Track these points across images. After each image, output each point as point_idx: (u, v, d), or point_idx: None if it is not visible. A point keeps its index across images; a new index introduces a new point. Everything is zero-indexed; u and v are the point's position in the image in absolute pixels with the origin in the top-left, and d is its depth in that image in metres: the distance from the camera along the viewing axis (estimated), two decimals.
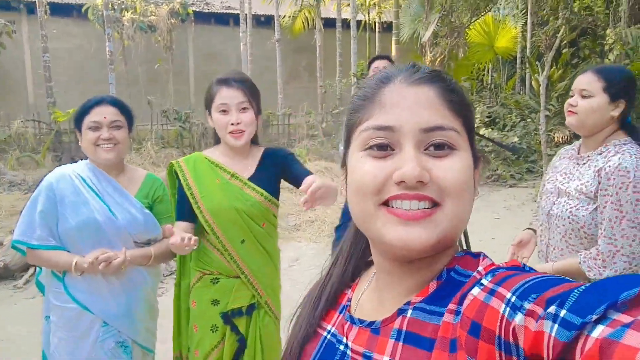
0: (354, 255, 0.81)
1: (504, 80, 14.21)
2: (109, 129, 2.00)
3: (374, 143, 0.64)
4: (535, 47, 12.13)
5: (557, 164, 2.08)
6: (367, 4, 17.85)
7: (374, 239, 0.67)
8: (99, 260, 1.91)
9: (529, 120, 11.03)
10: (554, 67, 11.00)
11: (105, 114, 2.00)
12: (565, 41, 10.68)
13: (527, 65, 12.08)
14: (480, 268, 0.63)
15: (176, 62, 16.37)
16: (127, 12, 14.54)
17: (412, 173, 0.59)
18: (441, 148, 0.62)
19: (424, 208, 0.61)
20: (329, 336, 0.75)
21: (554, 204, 1.97)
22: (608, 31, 11.84)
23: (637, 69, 11.01)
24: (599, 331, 0.40)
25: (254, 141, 2.08)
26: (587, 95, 1.86)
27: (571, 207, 1.87)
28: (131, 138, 2.15)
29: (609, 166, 1.77)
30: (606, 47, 11.88)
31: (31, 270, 4.94)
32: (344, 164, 0.72)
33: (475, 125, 0.72)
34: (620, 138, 1.86)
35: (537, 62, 11.03)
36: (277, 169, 2.06)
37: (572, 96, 1.94)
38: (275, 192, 2.05)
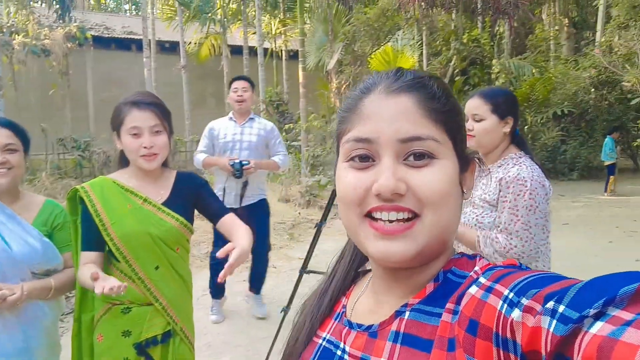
0: (355, 260, 0.82)
1: None
2: (2, 153, 1.88)
3: (355, 154, 0.64)
4: None
5: None
6: (274, 32, 18.17)
7: (360, 248, 0.68)
8: None
9: None
10: None
11: None
12: (457, 70, 11.53)
13: None
14: (477, 268, 0.63)
15: (73, 87, 15.51)
16: (18, 35, 13.61)
17: (387, 185, 0.60)
18: (421, 158, 0.62)
19: (403, 219, 0.61)
20: (324, 343, 0.74)
21: (462, 214, 2.12)
22: (494, 61, 13.02)
23: (520, 95, 12.18)
24: (598, 328, 0.39)
25: (165, 164, 2.00)
26: (479, 118, 2.07)
27: (477, 215, 2.04)
28: (27, 163, 2.02)
29: (509, 176, 1.96)
30: (493, 76, 13.05)
31: None
32: (335, 172, 0.72)
33: None
34: (514, 152, 2.08)
35: None
36: (192, 197, 2.00)
37: (466, 121, 2.13)
38: (190, 218, 1.98)
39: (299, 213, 8.42)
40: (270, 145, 4.09)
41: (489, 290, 0.53)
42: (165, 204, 1.92)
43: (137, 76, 15.64)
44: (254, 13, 15.38)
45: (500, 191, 1.97)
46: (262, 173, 4.22)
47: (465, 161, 0.68)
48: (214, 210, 1.99)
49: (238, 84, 4.01)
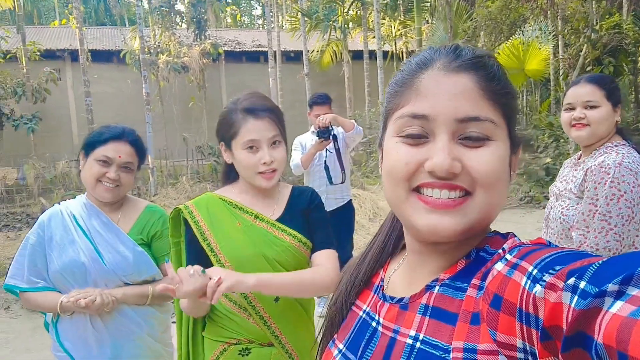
0: (392, 234, 0.82)
1: (539, 102, 14.07)
2: (118, 169, 1.84)
3: (409, 132, 0.64)
4: (564, 67, 12.02)
5: (561, 173, 2.13)
6: (394, 35, 18.12)
7: (404, 222, 0.69)
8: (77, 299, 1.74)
9: (562, 140, 10.83)
10: None
11: (121, 152, 1.84)
12: (588, 59, 10.53)
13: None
14: (505, 246, 0.63)
15: (209, 99, 16.98)
16: (162, 55, 15.27)
17: (442, 164, 0.60)
18: (477, 139, 0.62)
19: (455, 197, 0.62)
20: (364, 315, 0.77)
21: (552, 208, 2.01)
22: None
23: None
24: (618, 307, 0.39)
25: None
26: (594, 105, 1.90)
27: (562, 208, 1.92)
28: (135, 178, 1.95)
29: (594, 164, 1.82)
30: (639, 65, 11.67)
31: None
32: (380, 145, 0.72)
33: None
34: (614, 141, 1.91)
35: (565, 82, 10.90)
36: (306, 214, 1.70)
37: (568, 110, 1.98)
38: (308, 235, 1.67)
39: None
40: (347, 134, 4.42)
41: (514, 267, 0.54)
42: (279, 220, 1.65)
43: (265, 85, 16.62)
44: (374, 17, 15.51)
45: (584, 180, 1.84)
46: (348, 177, 4.55)
47: (515, 144, 0.68)
48: (317, 240, 1.66)
49: (319, 110, 4.35)
